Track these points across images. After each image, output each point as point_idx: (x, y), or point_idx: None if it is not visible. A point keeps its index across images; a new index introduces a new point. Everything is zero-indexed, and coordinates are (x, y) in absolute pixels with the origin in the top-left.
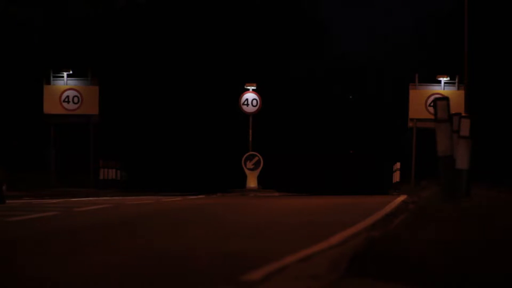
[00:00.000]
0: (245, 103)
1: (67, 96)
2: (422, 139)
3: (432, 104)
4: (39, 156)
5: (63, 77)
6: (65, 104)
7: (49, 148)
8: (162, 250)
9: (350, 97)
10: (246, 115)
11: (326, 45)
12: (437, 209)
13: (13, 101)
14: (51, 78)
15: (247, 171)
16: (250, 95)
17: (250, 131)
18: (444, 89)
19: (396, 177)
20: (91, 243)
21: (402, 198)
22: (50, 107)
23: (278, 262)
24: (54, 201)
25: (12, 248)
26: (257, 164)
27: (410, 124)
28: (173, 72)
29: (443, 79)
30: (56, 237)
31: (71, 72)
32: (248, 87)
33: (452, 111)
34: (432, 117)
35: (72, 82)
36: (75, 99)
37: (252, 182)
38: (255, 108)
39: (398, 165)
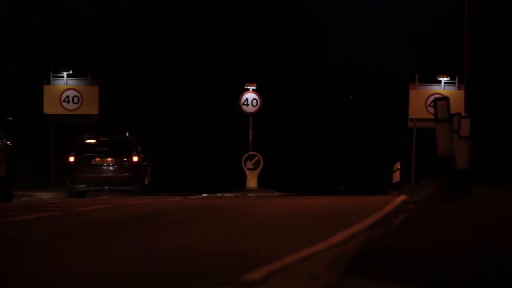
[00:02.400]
0: (245, 103)
1: (67, 96)
2: (422, 139)
3: (432, 104)
4: (39, 156)
5: (63, 77)
6: (65, 104)
7: (49, 148)
8: (162, 250)
9: (350, 97)
10: (246, 115)
11: (326, 45)
12: (437, 209)
13: (13, 101)
14: (51, 78)
15: (247, 171)
16: (250, 95)
17: (250, 131)
18: (444, 89)
19: (396, 177)
20: (91, 243)
21: (402, 198)
22: (50, 107)
23: (278, 262)
24: (55, 201)
25: (12, 248)
26: (257, 164)
27: (410, 124)
28: (173, 72)
29: (443, 79)
30: (56, 237)
31: (71, 72)
32: (248, 87)
33: (452, 111)
34: (432, 117)
35: (72, 82)
36: (75, 99)
37: (252, 182)
38: (255, 108)
39: (398, 165)
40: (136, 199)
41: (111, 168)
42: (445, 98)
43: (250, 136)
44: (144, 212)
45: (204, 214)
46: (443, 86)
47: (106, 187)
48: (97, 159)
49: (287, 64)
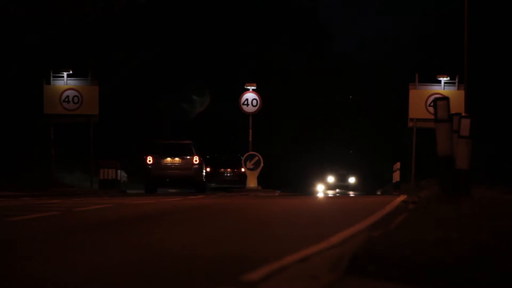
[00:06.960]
0: (245, 103)
1: (67, 96)
2: (422, 139)
3: (432, 104)
4: (39, 156)
5: (63, 77)
6: (65, 104)
7: (49, 148)
8: (162, 250)
9: (350, 97)
10: (246, 115)
11: (326, 45)
12: (437, 209)
13: (13, 101)
14: (51, 78)
15: (247, 171)
16: (250, 95)
17: (250, 131)
18: (444, 89)
19: (396, 177)
20: (92, 243)
21: (402, 198)
22: (50, 107)
23: (278, 262)
24: (54, 201)
25: (12, 248)
26: (257, 164)
27: (410, 124)
28: (173, 71)
29: (443, 79)
30: (56, 237)
31: (71, 72)
32: (248, 87)
33: (452, 111)
34: (432, 117)
35: (72, 82)
36: (75, 99)
37: (252, 182)
38: (255, 108)
39: (398, 165)
40: (137, 199)
41: (229, 174)
42: (445, 98)
43: (250, 136)
44: (145, 212)
45: (204, 214)
46: (443, 86)
47: (225, 185)
48: (222, 169)
49: (287, 64)
